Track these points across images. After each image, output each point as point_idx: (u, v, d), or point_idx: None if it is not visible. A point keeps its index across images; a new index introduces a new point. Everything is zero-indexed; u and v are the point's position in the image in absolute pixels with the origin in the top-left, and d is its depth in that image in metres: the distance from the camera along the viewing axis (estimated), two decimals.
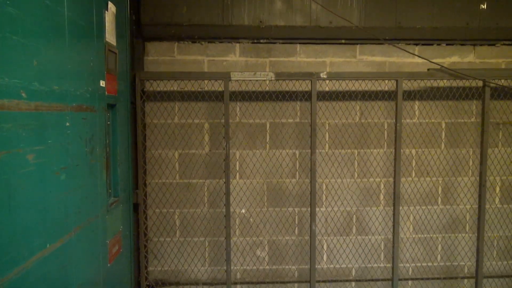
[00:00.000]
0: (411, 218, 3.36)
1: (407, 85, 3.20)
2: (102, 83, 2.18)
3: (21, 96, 1.39)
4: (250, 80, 3.05)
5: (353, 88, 3.23)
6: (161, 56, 3.16)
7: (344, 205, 3.31)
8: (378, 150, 3.28)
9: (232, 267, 3.25)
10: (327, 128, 3.27)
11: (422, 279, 3.37)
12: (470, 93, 3.26)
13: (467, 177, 3.34)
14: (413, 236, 3.36)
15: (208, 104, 3.22)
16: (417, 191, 3.33)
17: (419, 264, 3.37)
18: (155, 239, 3.24)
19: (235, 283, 3.29)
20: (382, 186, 3.32)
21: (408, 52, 3.03)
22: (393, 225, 2.99)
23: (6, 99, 1.30)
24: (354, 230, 3.34)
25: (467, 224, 3.36)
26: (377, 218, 3.33)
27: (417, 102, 3.30)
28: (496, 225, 3.35)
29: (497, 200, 3.36)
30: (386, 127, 3.30)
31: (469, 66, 3.25)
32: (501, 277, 3.38)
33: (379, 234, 3.34)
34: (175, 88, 3.18)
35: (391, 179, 3.25)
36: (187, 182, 3.23)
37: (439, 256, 3.38)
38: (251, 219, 3.28)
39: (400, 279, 3.29)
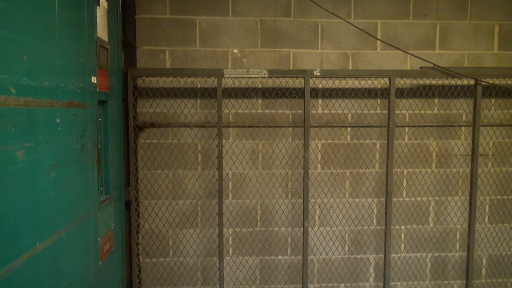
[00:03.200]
0: (408, 62, 3.30)
1: None
2: (94, 79, 2.15)
3: (10, 92, 1.36)
4: (243, 77, 3.04)
5: None
6: None
7: (341, 47, 3.25)
8: None
9: (224, 110, 3.19)
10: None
11: (418, 126, 3.32)
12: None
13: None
14: (411, 81, 3.30)
15: (201, 100, 3.20)
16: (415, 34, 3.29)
17: (416, 112, 3.32)
18: (147, 80, 3.14)
19: (227, 126, 3.23)
20: (379, 26, 3.27)
21: (402, 50, 3.03)
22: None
23: None
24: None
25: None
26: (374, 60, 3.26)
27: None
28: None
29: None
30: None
31: None
32: (499, 126, 3.37)
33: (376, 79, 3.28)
34: (168, 85, 3.15)
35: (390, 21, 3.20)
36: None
37: (436, 101, 3.33)
38: (244, 60, 3.21)
39: (396, 126, 3.28)
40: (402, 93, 3.28)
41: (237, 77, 3.01)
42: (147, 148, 3.17)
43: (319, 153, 3.30)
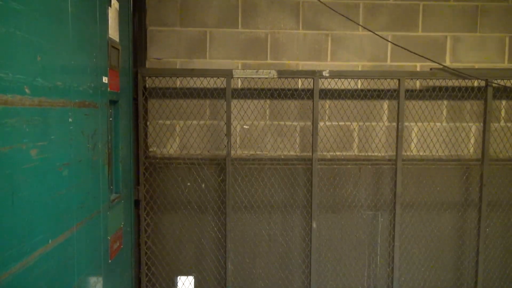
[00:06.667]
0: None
1: None
2: (105, 79, 2.18)
3: (25, 92, 1.39)
4: (253, 78, 3.05)
5: None
6: None
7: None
8: None
9: None
10: None
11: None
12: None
13: None
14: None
15: (210, 101, 3.22)
16: None
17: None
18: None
19: None
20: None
21: (412, 52, 3.02)
22: None
23: (10, 94, 1.30)
24: None
25: None
26: None
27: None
28: None
29: None
30: None
31: None
32: None
33: None
34: (177, 85, 3.17)
35: None
36: None
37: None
38: None
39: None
40: (412, 94, 3.27)
41: (246, 78, 3.02)
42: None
43: None
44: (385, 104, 3.28)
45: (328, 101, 3.24)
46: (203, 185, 3.16)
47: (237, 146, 3.24)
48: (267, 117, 3.24)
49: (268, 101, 3.24)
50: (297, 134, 3.26)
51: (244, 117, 3.20)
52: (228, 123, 2.88)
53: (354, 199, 3.24)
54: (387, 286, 3.23)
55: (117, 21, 2.39)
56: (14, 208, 1.33)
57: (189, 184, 3.16)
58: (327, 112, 3.24)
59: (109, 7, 2.25)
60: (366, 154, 3.28)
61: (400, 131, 2.94)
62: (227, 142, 2.88)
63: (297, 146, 3.27)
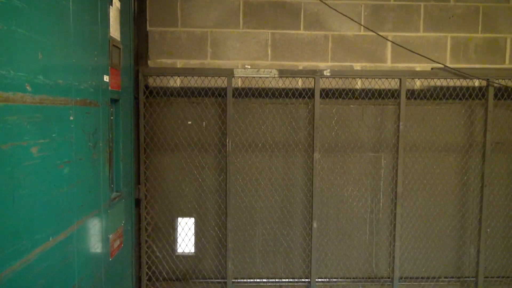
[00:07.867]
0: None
1: None
2: (106, 78, 2.18)
3: (26, 89, 1.39)
4: (254, 77, 3.05)
5: None
6: None
7: None
8: None
9: None
10: None
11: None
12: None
13: None
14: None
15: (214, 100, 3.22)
16: None
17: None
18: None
19: None
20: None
21: (413, 52, 3.01)
22: None
23: (11, 92, 1.30)
24: None
25: None
26: None
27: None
28: None
29: None
30: None
31: None
32: None
33: None
34: (178, 84, 3.18)
35: None
36: None
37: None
38: None
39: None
40: (413, 93, 3.26)
41: (247, 77, 3.02)
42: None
43: None
44: (389, 45, 3.26)
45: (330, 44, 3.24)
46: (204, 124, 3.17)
47: (239, 85, 3.22)
48: (269, 57, 3.23)
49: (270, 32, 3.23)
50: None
51: (246, 56, 3.21)
52: (230, 123, 2.88)
53: (356, 138, 3.22)
54: (390, 221, 3.21)
55: (118, 20, 2.39)
56: (15, 205, 1.33)
57: (190, 122, 3.15)
58: (330, 52, 3.23)
59: (111, 6, 2.25)
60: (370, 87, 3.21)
61: (402, 131, 2.93)
62: (228, 142, 2.88)
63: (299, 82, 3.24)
